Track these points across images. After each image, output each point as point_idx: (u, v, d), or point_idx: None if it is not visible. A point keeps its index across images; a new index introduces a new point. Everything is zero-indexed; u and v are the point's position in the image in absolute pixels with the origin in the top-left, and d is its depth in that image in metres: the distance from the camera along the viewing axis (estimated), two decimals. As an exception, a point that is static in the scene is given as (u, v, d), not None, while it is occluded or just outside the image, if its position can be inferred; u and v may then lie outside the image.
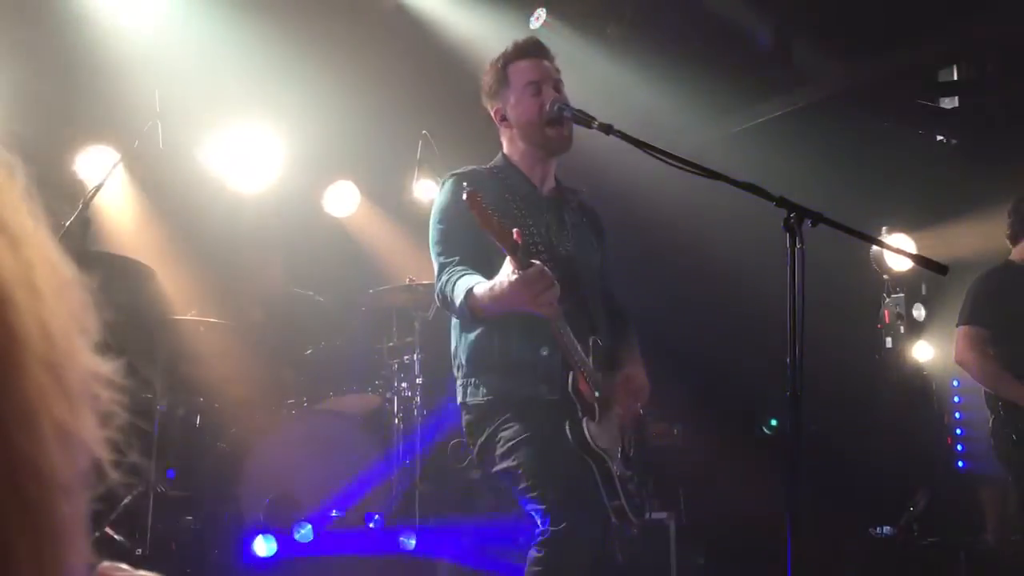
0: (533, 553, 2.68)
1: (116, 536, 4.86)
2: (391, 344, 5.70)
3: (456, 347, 2.95)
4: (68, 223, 4.29)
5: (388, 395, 5.62)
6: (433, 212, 2.98)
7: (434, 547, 4.93)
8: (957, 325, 4.61)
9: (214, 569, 4.97)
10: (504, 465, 2.81)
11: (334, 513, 4.98)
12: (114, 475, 0.65)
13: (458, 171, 3.09)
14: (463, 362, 2.92)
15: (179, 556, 5.03)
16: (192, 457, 5.39)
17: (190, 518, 5.23)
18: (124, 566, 0.72)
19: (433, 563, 4.94)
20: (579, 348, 2.75)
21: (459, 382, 2.96)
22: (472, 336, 2.88)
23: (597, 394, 2.80)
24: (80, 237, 4.31)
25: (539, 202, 3.00)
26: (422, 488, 5.33)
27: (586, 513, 2.72)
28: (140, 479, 4.94)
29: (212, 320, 5.43)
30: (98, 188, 4.39)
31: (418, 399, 5.40)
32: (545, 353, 2.74)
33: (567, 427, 2.73)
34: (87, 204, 4.33)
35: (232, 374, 5.46)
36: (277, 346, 5.82)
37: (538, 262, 2.51)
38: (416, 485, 5.33)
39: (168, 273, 5.89)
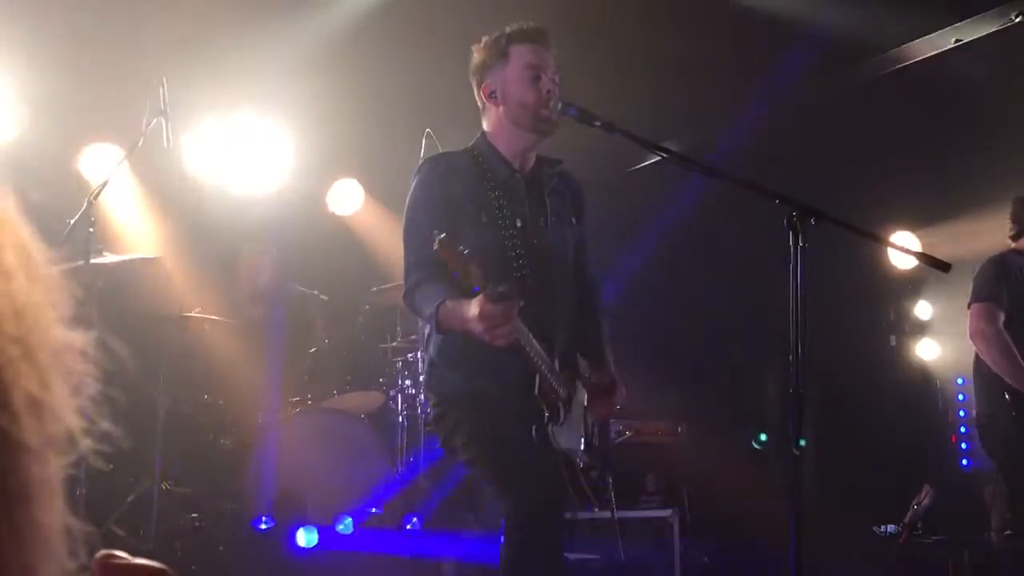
0: (502, 539, 2.71)
1: (120, 533, 4.88)
2: (395, 342, 5.71)
3: (427, 334, 2.97)
4: (73, 221, 4.30)
5: (392, 392, 5.64)
6: (407, 200, 2.98)
7: (438, 547, 4.95)
8: (972, 302, 4.51)
9: (218, 566, 4.99)
10: (467, 456, 2.86)
11: (340, 527, 4.98)
12: (86, 443, 0.69)
13: (433, 156, 3.09)
14: (433, 351, 2.95)
15: (183, 553, 5.04)
16: (196, 455, 5.40)
17: (194, 515, 5.24)
18: (122, 553, 0.75)
19: (437, 563, 4.96)
20: (544, 353, 2.77)
21: (426, 367, 3.01)
22: None
23: (562, 394, 2.83)
24: (85, 235, 4.32)
25: (517, 187, 2.98)
26: (425, 484, 5.34)
27: (546, 497, 2.74)
28: (145, 477, 4.97)
29: (216, 318, 5.44)
30: (103, 186, 4.40)
31: (422, 396, 5.41)
32: (509, 356, 2.74)
33: (533, 431, 2.76)
34: (92, 202, 4.33)
35: (237, 372, 5.47)
36: (281, 344, 5.83)
37: (500, 296, 2.49)
38: (420, 481, 5.35)
39: (172, 271, 5.90)
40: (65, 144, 5.91)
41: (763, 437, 7.22)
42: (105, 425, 0.71)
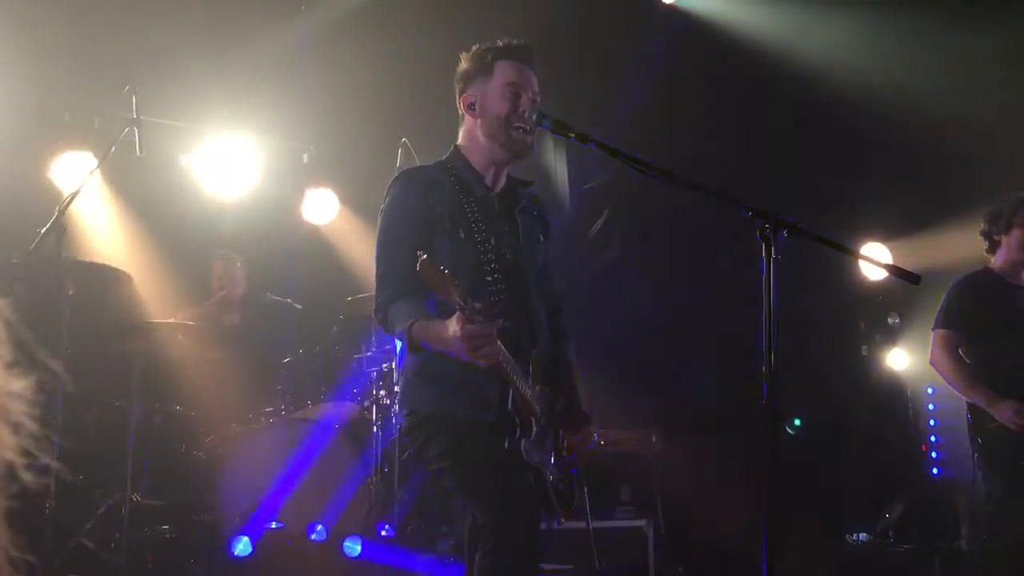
0: (477, 549, 2.72)
1: (90, 545, 4.82)
2: (369, 352, 5.69)
3: (402, 350, 2.97)
4: (44, 230, 4.26)
5: (366, 403, 5.61)
6: (381, 212, 2.97)
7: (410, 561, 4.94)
8: (933, 328, 4.67)
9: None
10: (440, 465, 2.86)
11: (316, 533, 4.95)
12: (26, 476, 0.73)
13: (410, 169, 3.08)
14: (407, 369, 2.95)
15: (155, 566, 4.99)
16: (168, 466, 5.35)
17: (166, 527, 5.19)
18: None
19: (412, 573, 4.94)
20: (519, 368, 2.78)
21: (401, 383, 3.01)
22: None
23: (536, 410, 2.83)
24: (56, 244, 4.28)
25: (491, 204, 3.00)
26: (400, 495, 5.32)
27: (520, 507, 2.75)
28: (116, 488, 4.91)
29: (189, 323, 5.40)
30: (74, 195, 4.36)
31: (396, 408, 5.39)
32: (483, 374, 2.74)
33: (506, 444, 2.77)
34: (63, 211, 4.29)
35: (210, 382, 5.43)
36: (256, 354, 5.80)
37: (481, 317, 2.49)
38: (394, 492, 5.33)
39: (145, 280, 5.86)
40: (36, 153, 5.86)
41: (797, 422, 7.27)
42: (46, 459, 0.74)
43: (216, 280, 6.07)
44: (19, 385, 0.74)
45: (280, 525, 4.87)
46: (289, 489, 4.99)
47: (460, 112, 3.06)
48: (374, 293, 2.89)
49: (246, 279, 6.14)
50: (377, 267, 2.90)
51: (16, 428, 0.72)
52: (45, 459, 0.74)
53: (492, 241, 2.91)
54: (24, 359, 0.76)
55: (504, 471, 2.76)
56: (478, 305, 2.47)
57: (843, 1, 6.24)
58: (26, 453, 0.73)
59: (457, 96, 3.05)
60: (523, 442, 2.78)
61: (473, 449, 2.80)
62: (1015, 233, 4.64)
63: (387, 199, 2.97)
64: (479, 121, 2.99)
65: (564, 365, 3.13)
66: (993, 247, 4.73)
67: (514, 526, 2.71)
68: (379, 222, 2.95)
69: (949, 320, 4.61)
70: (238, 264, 6.15)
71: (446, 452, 2.83)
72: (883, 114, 6.51)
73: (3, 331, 0.74)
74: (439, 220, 2.87)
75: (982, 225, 4.78)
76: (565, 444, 2.99)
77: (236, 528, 4.84)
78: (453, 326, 2.54)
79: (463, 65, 3.03)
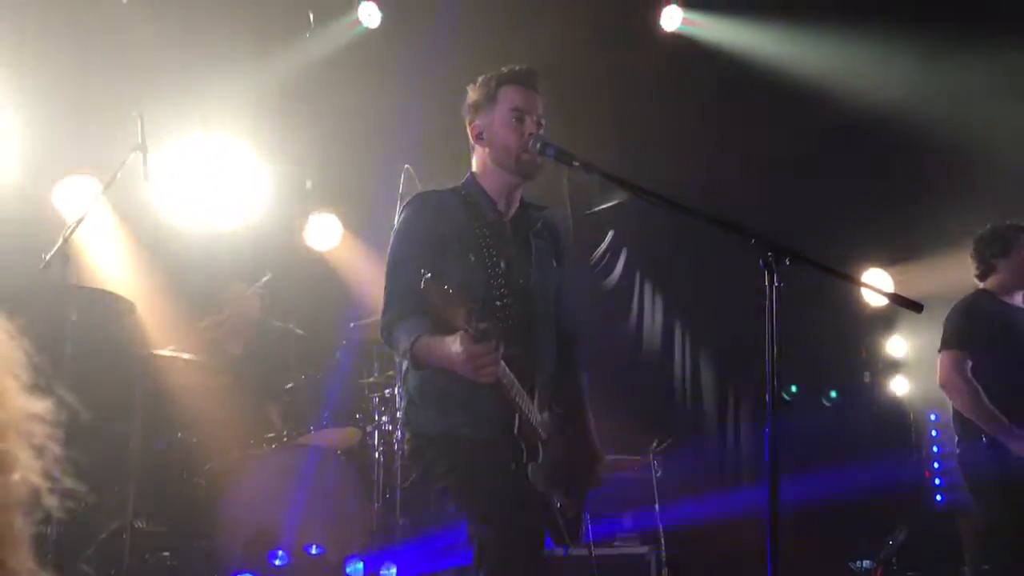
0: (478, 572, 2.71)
1: (91, 572, 4.80)
2: (372, 378, 5.69)
3: (405, 371, 2.95)
4: (48, 256, 4.27)
5: (369, 429, 5.60)
6: (394, 233, 2.97)
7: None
8: (940, 349, 4.61)
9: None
10: (444, 484, 2.86)
11: (313, 551, 4.94)
12: (50, 499, 0.74)
13: (423, 193, 3.09)
14: (409, 389, 2.94)
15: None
16: (169, 493, 5.34)
17: (167, 554, 5.17)
18: None
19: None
20: (525, 394, 2.77)
21: (404, 404, 2.98)
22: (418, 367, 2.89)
23: (542, 436, 2.82)
24: (60, 270, 4.29)
25: (503, 229, 3.01)
26: (402, 522, 5.31)
27: (525, 528, 2.74)
28: (117, 515, 4.90)
29: (190, 356, 5.39)
30: (79, 221, 4.37)
31: (398, 433, 5.39)
32: (486, 394, 2.73)
33: (512, 466, 2.76)
34: (68, 237, 4.31)
35: (211, 408, 5.42)
36: (257, 380, 5.80)
37: (486, 337, 2.49)
38: (396, 519, 5.31)
39: (148, 307, 5.86)
40: (42, 178, 5.89)
41: (793, 389, 7.29)
42: (69, 483, 0.74)
43: (235, 306, 6.03)
44: (40, 407, 0.74)
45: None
46: (291, 517, 4.97)
47: (471, 142, 3.08)
48: (381, 314, 2.88)
49: (263, 309, 6.12)
50: (385, 288, 2.90)
51: (40, 451, 0.72)
52: (69, 482, 0.74)
53: (502, 266, 2.92)
54: (42, 382, 0.76)
55: (508, 492, 2.74)
56: (483, 325, 2.48)
57: (844, 29, 6.28)
58: (50, 477, 0.73)
59: (467, 126, 3.07)
60: (530, 466, 2.77)
61: (479, 468, 2.78)
62: (1015, 257, 4.65)
63: (399, 221, 2.98)
64: (488, 150, 3.01)
65: (572, 395, 3.11)
66: (988, 270, 4.72)
67: (515, 546, 2.70)
68: (390, 243, 2.96)
69: (960, 341, 4.53)
70: (260, 295, 6.11)
71: (452, 470, 2.82)
72: (885, 141, 6.54)
73: (20, 354, 0.74)
74: (449, 244, 2.87)
75: (974, 248, 4.77)
76: (573, 471, 2.98)
77: (237, 558, 4.82)
78: (456, 345, 2.54)
79: (469, 96, 3.05)
